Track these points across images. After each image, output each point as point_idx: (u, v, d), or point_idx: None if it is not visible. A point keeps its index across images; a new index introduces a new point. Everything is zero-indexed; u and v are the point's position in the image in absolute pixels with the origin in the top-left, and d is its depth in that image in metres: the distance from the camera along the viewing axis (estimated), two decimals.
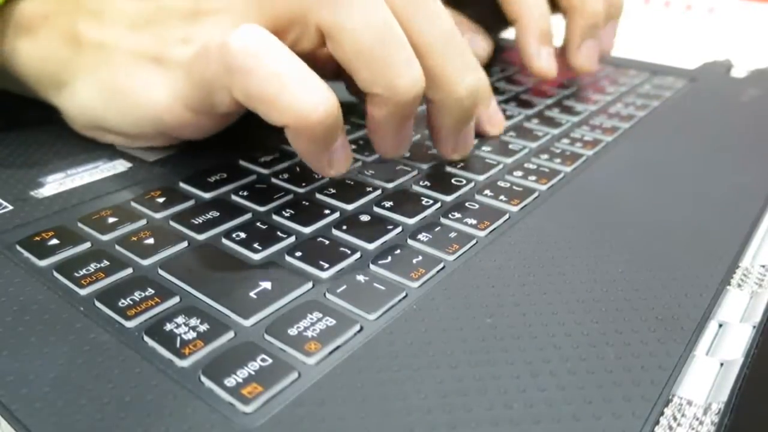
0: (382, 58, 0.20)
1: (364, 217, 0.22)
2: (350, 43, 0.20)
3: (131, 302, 0.17)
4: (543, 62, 0.33)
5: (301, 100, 0.19)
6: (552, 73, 0.34)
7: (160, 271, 0.19)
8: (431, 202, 0.23)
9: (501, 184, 0.25)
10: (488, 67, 0.41)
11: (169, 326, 0.16)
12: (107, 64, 0.23)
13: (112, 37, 0.23)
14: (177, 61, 0.22)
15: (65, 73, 0.24)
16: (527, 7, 0.33)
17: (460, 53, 0.23)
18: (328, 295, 0.18)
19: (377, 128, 0.23)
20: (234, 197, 0.23)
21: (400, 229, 0.21)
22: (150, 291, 0.17)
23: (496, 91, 0.36)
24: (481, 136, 0.29)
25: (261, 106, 0.20)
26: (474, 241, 0.20)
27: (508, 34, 0.37)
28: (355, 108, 0.29)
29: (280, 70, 0.19)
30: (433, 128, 0.25)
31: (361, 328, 0.16)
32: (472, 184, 0.25)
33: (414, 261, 0.19)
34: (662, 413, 0.14)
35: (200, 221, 0.21)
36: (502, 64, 0.41)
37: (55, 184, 0.24)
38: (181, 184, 0.24)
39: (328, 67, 0.24)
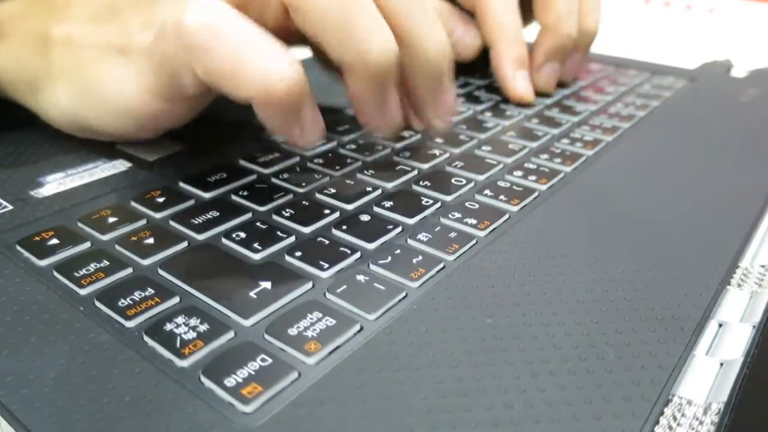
0: (348, 25, 0.20)
1: (364, 217, 0.22)
2: (314, 14, 0.20)
3: (131, 302, 0.17)
4: (520, 88, 0.34)
5: (264, 72, 0.19)
6: (529, 98, 0.34)
7: (160, 271, 0.19)
8: (431, 202, 0.23)
9: (501, 183, 0.25)
10: (486, 66, 0.41)
11: (169, 326, 0.16)
12: (76, 61, 0.23)
13: (77, 33, 0.23)
14: (140, 49, 0.22)
15: (39, 76, 0.24)
16: (502, 32, 0.34)
17: (426, 12, 0.23)
18: (328, 295, 0.18)
19: (359, 103, 0.22)
20: (234, 197, 0.23)
21: (400, 229, 0.21)
22: (150, 291, 0.17)
23: (497, 91, 0.36)
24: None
25: (223, 81, 0.19)
26: (474, 241, 0.20)
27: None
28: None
29: (239, 42, 0.19)
30: (409, 96, 0.24)
31: (361, 328, 0.16)
32: (472, 184, 0.25)
33: (414, 261, 0.19)
34: (662, 413, 0.14)
35: (200, 221, 0.21)
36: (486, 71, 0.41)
37: (55, 184, 0.24)
38: (181, 184, 0.24)
39: (297, 40, 0.23)
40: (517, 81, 0.34)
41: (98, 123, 0.24)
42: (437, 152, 0.27)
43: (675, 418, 0.14)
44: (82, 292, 0.18)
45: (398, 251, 0.20)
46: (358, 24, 0.20)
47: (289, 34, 0.22)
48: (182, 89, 0.21)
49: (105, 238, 0.20)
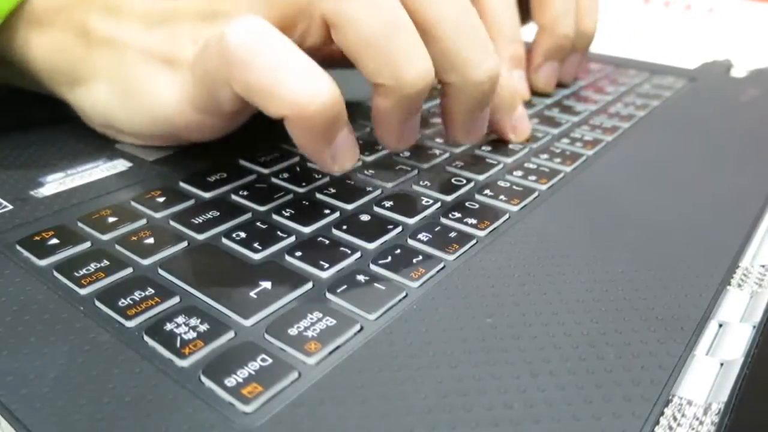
0: (387, 48, 0.20)
1: (364, 217, 0.22)
2: (354, 32, 0.20)
3: (131, 302, 0.17)
4: (516, 86, 0.34)
5: (300, 89, 0.19)
6: (524, 96, 0.34)
7: (160, 271, 0.19)
8: (431, 201, 0.23)
9: (501, 183, 0.25)
10: None
11: (169, 326, 0.16)
12: (119, 63, 0.23)
13: (124, 35, 0.23)
14: (186, 62, 0.22)
15: (79, 70, 0.24)
16: (498, 30, 0.33)
17: (477, 35, 0.22)
18: (328, 295, 0.18)
19: (382, 120, 0.22)
20: (234, 197, 0.23)
21: (400, 228, 0.21)
22: (150, 291, 0.17)
23: None
24: (501, 140, 0.29)
25: (259, 97, 0.19)
26: (474, 241, 0.20)
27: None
28: (358, 107, 0.29)
29: (278, 60, 0.19)
30: (446, 112, 0.24)
31: (361, 328, 0.16)
32: (472, 184, 0.25)
33: (414, 261, 0.19)
34: (662, 413, 0.14)
35: (200, 221, 0.21)
36: None
37: (55, 184, 0.24)
38: (181, 184, 0.24)
39: (340, 62, 0.23)
40: (512, 80, 0.34)
41: (129, 125, 0.24)
42: (437, 152, 0.27)
43: (675, 418, 0.14)
44: (82, 291, 0.18)
45: (398, 251, 0.20)
46: (398, 47, 0.20)
47: (332, 54, 0.22)
48: (220, 105, 0.22)
49: (105, 237, 0.20)
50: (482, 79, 0.23)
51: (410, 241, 0.20)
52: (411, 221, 0.22)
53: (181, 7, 0.23)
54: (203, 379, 0.14)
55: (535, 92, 0.36)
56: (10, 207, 0.22)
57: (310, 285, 0.18)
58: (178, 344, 0.15)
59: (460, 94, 0.23)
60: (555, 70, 0.36)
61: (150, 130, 0.24)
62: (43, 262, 0.19)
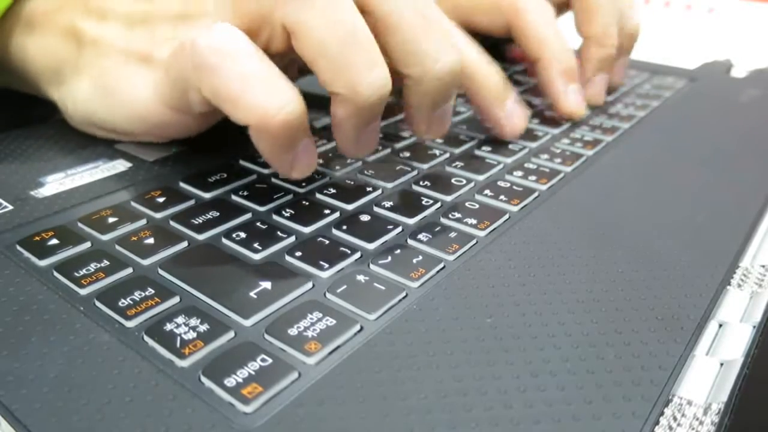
0: (343, 58, 0.20)
1: (364, 217, 0.22)
2: (310, 40, 0.20)
3: (131, 302, 0.17)
4: (572, 103, 0.32)
5: (264, 100, 0.19)
6: (581, 113, 0.32)
7: (160, 271, 0.19)
8: (431, 201, 0.23)
9: (501, 183, 0.25)
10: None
11: (169, 326, 0.16)
12: (102, 61, 0.24)
13: (107, 36, 0.24)
14: (160, 60, 0.22)
15: (65, 70, 0.25)
16: (548, 45, 0.32)
17: (438, 31, 0.22)
18: (328, 295, 0.18)
19: (339, 128, 0.22)
20: (234, 197, 0.23)
21: (400, 228, 0.21)
22: (150, 291, 0.17)
23: None
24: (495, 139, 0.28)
25: (225, 104, 0.20)
26: (474, 241, 0.20)
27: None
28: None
29: (245, 69, 0.19)
30: (407, 105, 0.24)
31: (361, 328, 0.16)
32: (472, 184, 0.25)
33: (414, 261, 0.19)
34: (662, 413, 0.14)
35: (200, 221, 0.21)
36: (502, 64, 0.41)
37: (55, 184, 0.24)
38: (181, 184, 0.24)
39: (308, 69, 0.24)
40: (568, 96, 0.32)
41: (108, 122, 0.25)
42: (437, 152, 0.27)
43: (675, 419, 0.14)
44: (82, 292, 0.18)
45: (398, 251, 0.20)
46: (354, 58, 0.20)
47: (298, 60, 0.22)
48: (191, 105, 0.22)
49: (105, 238, 0.20)
50: (442, 73, 0.22)
51: (410, 241, 0.20)
52: (411, 221, 0.22)
53: (158, 8, 0.23)
54: (203, 379, 0.14)
55: (588, 106, 0.34)
56: (10, 207, 0.22)
57: (310, 285, 0.18)
58: (178, 344, 0.15)
59: (421, 87, 0.23)
60: (606, 81, 0.35)
61: (127, 126, 0.25)
62: (43, 263, 0.19)
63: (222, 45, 0.20)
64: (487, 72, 0.27)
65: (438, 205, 0.23)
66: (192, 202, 0.23)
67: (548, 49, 0.32)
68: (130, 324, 0.16)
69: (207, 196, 0.23)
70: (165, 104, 0.23)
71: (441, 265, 0.19)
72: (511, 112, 0.28)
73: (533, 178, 0.25)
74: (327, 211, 0.22)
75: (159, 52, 0.23)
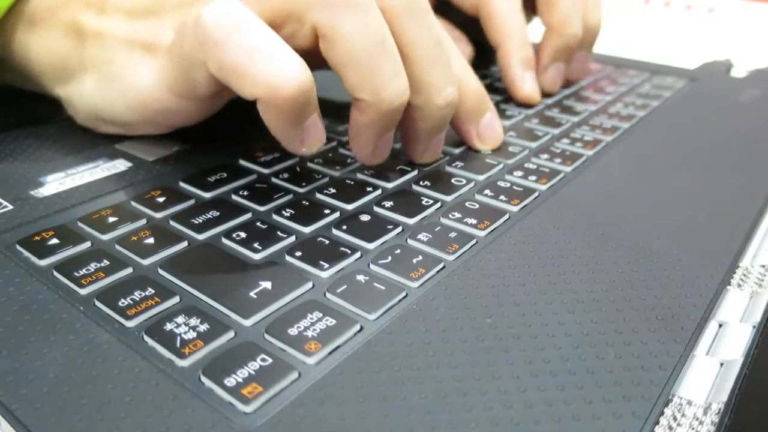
0: (371, 65, 0.21)
1: (364, 217, 0.22)
2: (342, 46, 0.21)
3: (131, 302, 0.17)
4: (527, 88, 0.34)
5: (273, 72, 0.19)
6: (536, 99, 0.34)
7: (160, 271, 0.19)
8: (431, 201, 0.23)
9: (501, 183, 0.25)
10: (488, 67, 0.41)
11: (169, 326, 0.16)
12: (105, 54, 0.24)
13: (110, 28, 0.24)
14: (164, 47, 0.23)
15: (70, 66, 0.25)
16: (509, 34, 0.34)
17: (445, 65, 0.24)
18: (328, 295, 0.18)
19: (358, 133, 0.23)
20: (234, 197, 0.23)
21: (400, 228, 0.21)
22: (150, 291, 0.17)
23: (497, 90, 0.36)
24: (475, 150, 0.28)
25: (233, 78, 0.20)
26: (474, 241, 0.20)
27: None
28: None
29: (253, 42, 0.19)
30: (407, 131, 0.25)
31: (361, 328, 0.16)
32: (472, 184, 0.25)
33: (414, 261, 0.19)
34: (662, 413, 0.14)
35: (200, 221, 0.21)
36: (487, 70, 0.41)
37: (55, 184, 0.24)
38: (181, 184, 0.24)
39: (320, 65, 0.24)
40: (525, 82, 0.34)
41: (111, 113, 0.25)
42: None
43: (675, 419, 0.14)
44: (82, 291, 0.18)
45: (398, 251, 0.20)
46: (381, 65, 0.21)
47: (315, 59, 0.22)
48: (196, 87, 0.22)
49: (105, 237, 0.20)
50: (443, 104, 0.24)
51: (410, 241, 0.20)
52: (411, 221, 0.22)
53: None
54: (203, 379, 0.14)
55: (542, 93, 0.35)
56: (10, 207, 0.22)
57: (310, 285, 0.18)
58: (178, 344, 0.15)
59: (422, 114, 0.24)
60: (561, 70, 0.36)
61: (130, 116, 0.25)
62: (43, 262, 0.19)
63: (227, 18, 0.19)
64: (469, 89, 0.27)
65: (438, 205, 0.23)
66: (192, 201, 0.23)
67: (509, 38, 0.34)
68: (130, 324, 0.16)
69: (207, 195, 0.23)
70: (169, 90, 0.23)
71: (441, 265, 0.19)
72: (487, 125, 0.28)
73: (533, 178, 0.25)
74: (327, 211, 0.22)
75: (163, 40, 0.23)
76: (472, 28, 0.37)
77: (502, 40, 0.34)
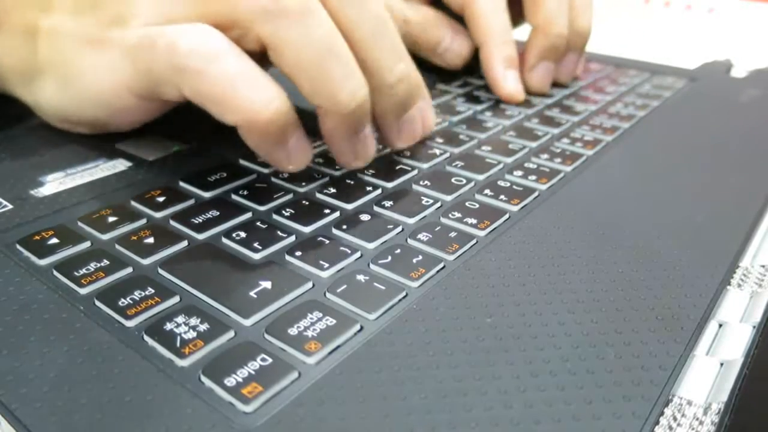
0: (321, 71, 0.21)
1: (365, 217, 0.22)
2: (290, 56, 0.21)
3: (131, 302, 0.17)
4: (510, 86, 0.34)
5: (251, 100, 0.19)
6: (519, 97, 0.34)
7: (160, 271, 0.19)
8: (431, 201, 0.23)
9: (501, 183, 0.25)
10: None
11: (169, 326, 0.16)
12: (59, 52, 0.23)
13: (59, 25, 0.23)
14: (115, 43, 0.22)
15: (29, 69, 0.24)
16: (491, 33, 0.34)
17: (391, 41, 0.23)
18: (328, 295, 0.18)
19: (329, 139, 0.23)
20: (234, 196, 0.23)
21: (400, 228, 0.21)
22: (150, 290, 0.17)
23: (490, 92, 0.36)
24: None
25: (211, 106, 0.20)
26: (474, 241, 0.20)
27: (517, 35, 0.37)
28: None
29: (230, 71, 0.19)
30: (375, 118, 0.25)
31: (361, 328, 0.16)
32: (472, 184, 0.25)
33: (414, 261, 0.19)
34: (662, 413, 0.14)
35: (200, 220, 0.21)
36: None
37: (55, 183, 0.24)
38: (181, 184, 0.24)
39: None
40: (507, 80, 0.34)
41: (77, 113, 0.25)
42: (437, 152, 0.27)
43: (675, 419, 0.14)
44: (82, 291, 0.18)
45: (398, 251, 0.20)
46: (331, 70, 0.21)
47: (269, 60, 0.22)
48: (161, 96, 0.22)
49: (105, 237, 0.20)
50: (395, 80, 0.23)
51: (410, 241, 0.20)
52: (411, 221, 0.22)
53: None
54: (203, 378, 0.14)
55: (530, 93, 0.36)
56: (10, 206, 0.22)
57: (310, 285, 0.18)
58: (178, 344, 0.15)
59: (380, 97, 0.23)
60: (550, 70, 0.36)
61: (93, 114, 0.25)
62: (43, 262, 0.19)
63: (205, 47, 0.20)
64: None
65: (438, 204, 0.23)
66: (192, 201, 0.23)
67: (491, 38, 0.34)
68: (130, 323, 0.16)
69: (207, 195, 0.23)
70: (128, 91, 0.23)
71: (441, 265, 0.19)
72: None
73: (533, 177, 0.25)
74: (327, 211, 0.22)
75: (108, 33, 0.22)
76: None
77: (484, 39, 0.34)
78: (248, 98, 0.19)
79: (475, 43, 0.35)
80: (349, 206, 0.23)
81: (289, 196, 0.23)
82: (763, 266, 0.20)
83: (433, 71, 0.38)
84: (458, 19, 0.37)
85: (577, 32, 0.36)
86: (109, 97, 0.23)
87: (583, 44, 0.37)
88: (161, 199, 0.23)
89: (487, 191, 0.24)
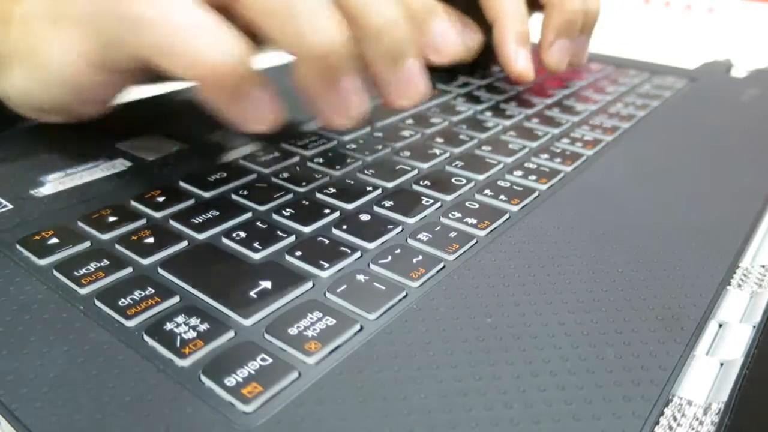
0: (290, 11, 0.19)
1: (365, 217, 0.22)
2: (255, 3, 0.19)
3: (131, 301, 0.17)
4: (521, 64, 0.33)
5: (204, 50, 0.18)
6: (530, 76, 0.33)
7: (160, 271, 0.19)
8: (431, 201, 0.23)
9: (501, 183, 0.25)
10: (487, 66, 0.41)
11: (169, 326, 0.16)
12: (25, 36, 0.23)
13: (29, 9, 0.23)
14: (75, 15, 0.21)
15: (2, 57, 0.24)
16: (505, 9, 0.33)
17: None
18: (328, 295, 0.18)
19: (302, 90, 0.21)
20: (234, 196, 0.23)
21: (400, 228, 0.21)
22: (150, 290, 0.17)
23: (497, 90, 0.36)
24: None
25: (166, 59, 0.19)
26: (474, 241, 0.20)
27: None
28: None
29: (186, 19, 0.18)
30: (371, 75, 0.23)
31: (361, 328, 0.16)
32: (472, 184, 0.25)
33: (414, 261, 0.19)
34: (662, 413, 0.14)
35: (200, 220, 0.21)
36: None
37: (55, 183, 0.24)
38: (181, 183, 0.24)
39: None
40: (518, 58, 0.33)
41: (45, 97, 0.24)
42: (437, 152, 0.27)
43: (675, 418, 0.14)
44: (82, 291, 0.18)
45: (398, 251, 0.20)
46: (301, 9, 0.19)
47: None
48: (119, 61, 0.21)
49: (105, 237, 0.20)
50: (382, 24, 0.21)
51: (410, 241, 0.20)
52: (411, 221, 0.22)
53: None
54: (203, 378, 0.14)
55: (548, 71, 0.35)
56: (10, 206, 0.22)
57: (310, 285, 0.18)
58: (178, 344, 0.15)
59: (370, 46, 0.21)
60: (567, 47, 0.35)
61: (60, 94, 0.24)
62: (43, 262, 0.19)
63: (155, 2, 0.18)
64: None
65: (438, 204, 0.23)
66: (192, 201, 0.23)
67: (504, 14, 0.33)
68: (130, 323, 0.16)
69: (207, 195, 0.23)
70: (88, 63, 0.22)
71: (441, 265, 0.19)
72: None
73: (533, 177, 0.25)
74: (327, 211, 0.22)
75: (70, 6, 0.21)
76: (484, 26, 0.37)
77: (497, 15, 0.33)
78: (205, 49, 0.18)
79: (488, 20, 0.34)
80: (349, 206, 0.23)
81: (289, 196, 0.23)
82: (763, 266, 0.20)
83: (433, 71, 0.38)
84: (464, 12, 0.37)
85: (588, 13, 0.35)
86: (70, 74, 0.22)
87: (593, 25, 0.36)
88: (161, 199, 0.23)
89: (487, 191, 0.24)
